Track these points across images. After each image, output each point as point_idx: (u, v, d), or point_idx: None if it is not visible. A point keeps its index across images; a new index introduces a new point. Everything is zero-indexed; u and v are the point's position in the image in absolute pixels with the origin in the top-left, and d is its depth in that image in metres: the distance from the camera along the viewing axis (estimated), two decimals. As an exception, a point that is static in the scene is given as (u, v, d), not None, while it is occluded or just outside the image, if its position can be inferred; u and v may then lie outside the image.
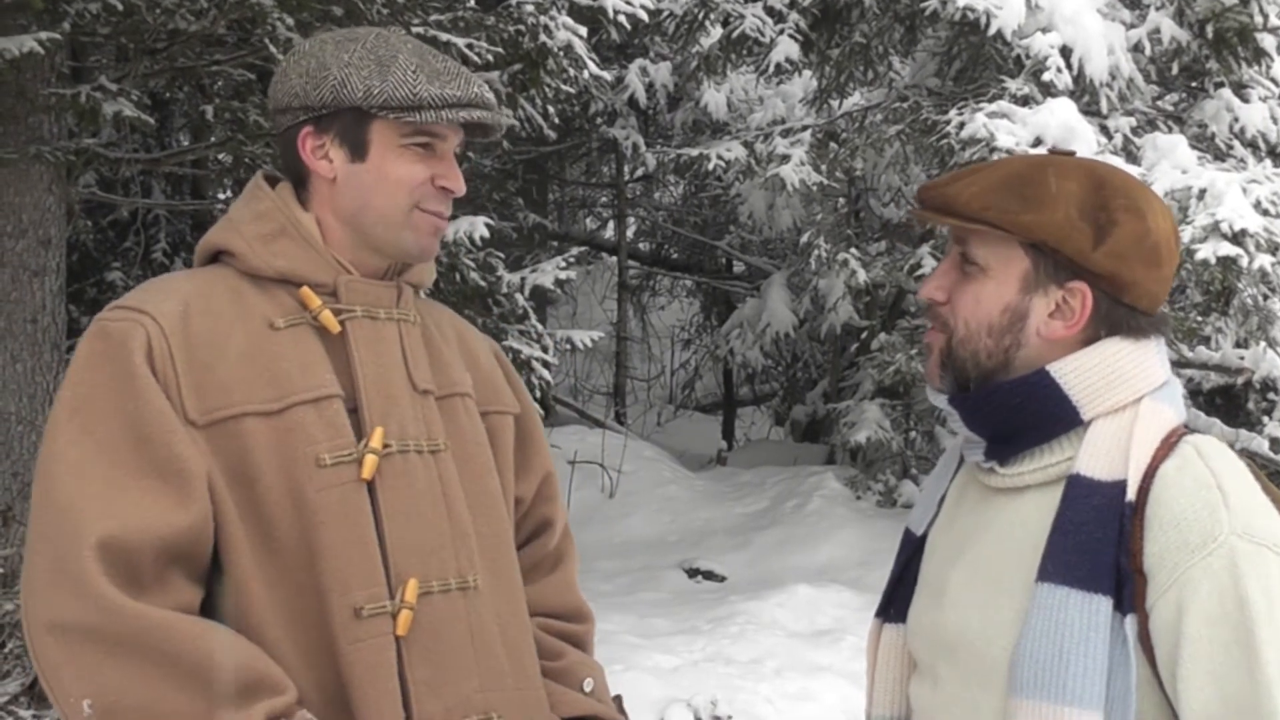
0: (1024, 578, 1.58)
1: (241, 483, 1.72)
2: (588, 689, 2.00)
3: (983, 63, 7.76)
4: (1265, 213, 6.66)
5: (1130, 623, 1.51)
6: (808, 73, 9.05)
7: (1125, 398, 1.61)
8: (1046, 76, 7.10)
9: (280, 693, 1.64)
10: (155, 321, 1.74)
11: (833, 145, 8.50)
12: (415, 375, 1.86)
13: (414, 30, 5.39)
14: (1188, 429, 1.63)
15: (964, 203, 1.63)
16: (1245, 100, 7.70)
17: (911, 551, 1.80)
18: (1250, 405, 9.37)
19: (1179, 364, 8.29)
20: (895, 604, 1.81)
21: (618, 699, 2.07)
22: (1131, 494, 1.54)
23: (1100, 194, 1.61)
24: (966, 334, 1.65)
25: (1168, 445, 1.58)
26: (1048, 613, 1.53)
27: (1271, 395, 9.16)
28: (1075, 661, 1.50)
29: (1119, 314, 1.63)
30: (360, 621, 1.71)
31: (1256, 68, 7.73)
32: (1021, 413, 1.62)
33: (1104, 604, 1.51)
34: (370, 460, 1.76)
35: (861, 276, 8.76)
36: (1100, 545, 1.53)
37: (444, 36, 5.45)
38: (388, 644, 1.72)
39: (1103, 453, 1.58)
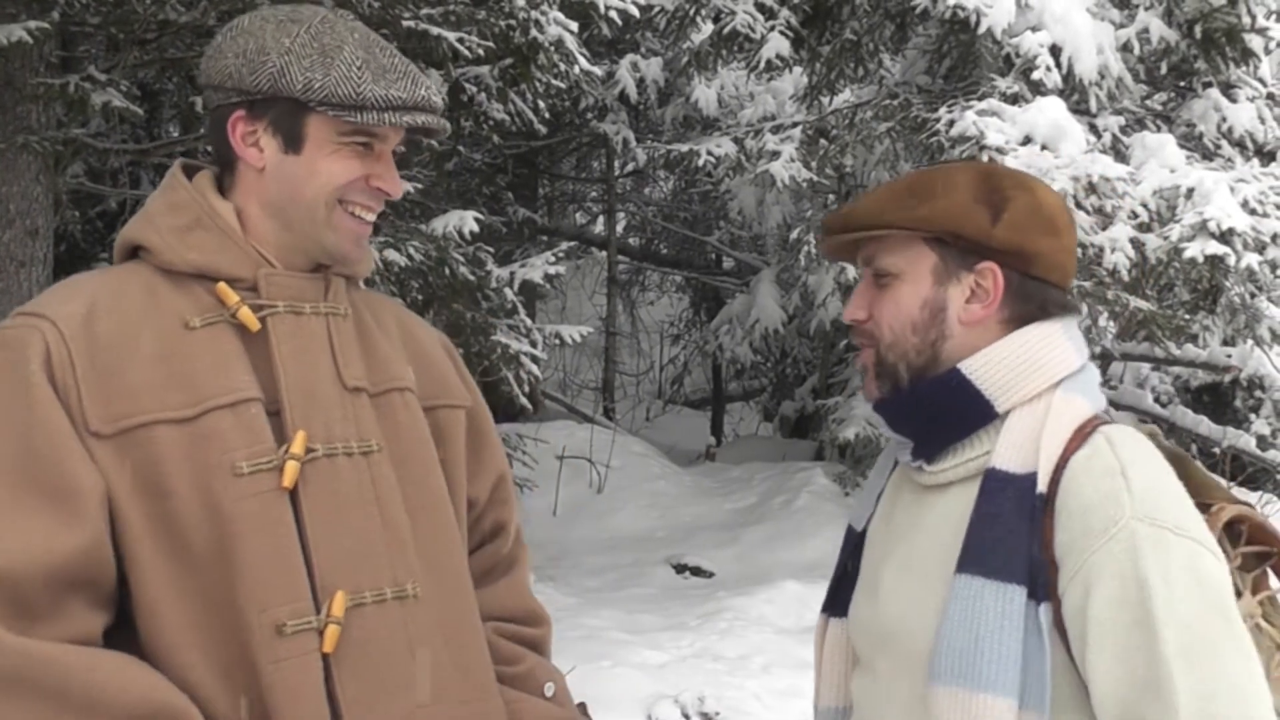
0: (947, 571, 1.63)
1: (153, 495, 1.60)
2: (549, 694, 1.92)
3: (973, 61, 7.77)
4: (1252, 212, 6.68)
5: (1045, 610, 1.56)
6: (798, 69, 9.05)
7: (1039, 385, 1.66)
8: (1036, 75, 7.12)
9: None
10: (55, 326, 1.63)
11: (823, 142, 8.49)
12: (345, 373, 1.74)
13: (405, 24, 5.38)
14: (1105, 418, 1.68)
15: (860, 214, 1.72)
16: (1233, 100, 7.74)
17: (852, 548, 1.86)
18: (1237, 403, 9.42)
19: (1167, 361, 8.31)
20: (839, 599, 1.86)
21: (581, 706, 2.00)
22: (1042, 485, 1.59)
23: (990, 179, 1.70)
24: (893, 338, 1.71)
25: (1081, 435, 1.63)
26: (964, 603, 1.58)
27: (1258, 393, 9.21)
28: (989, 649, 1.55)
29: (1031, 288, 1.69)
30: (283, 639, 1.60)
31: (1244, 68, 7.76)
32: (939, 411, 1.69)
33: (1018, 593, 1.56)
34: (291, 467, 1.64)
35: (851, 273, 8.76)
36: (1014, 537, 1.58)
37: (435, 30, 5.44)
38: (313, 662, 1.61)
39: (1016, 445, 1.63)
